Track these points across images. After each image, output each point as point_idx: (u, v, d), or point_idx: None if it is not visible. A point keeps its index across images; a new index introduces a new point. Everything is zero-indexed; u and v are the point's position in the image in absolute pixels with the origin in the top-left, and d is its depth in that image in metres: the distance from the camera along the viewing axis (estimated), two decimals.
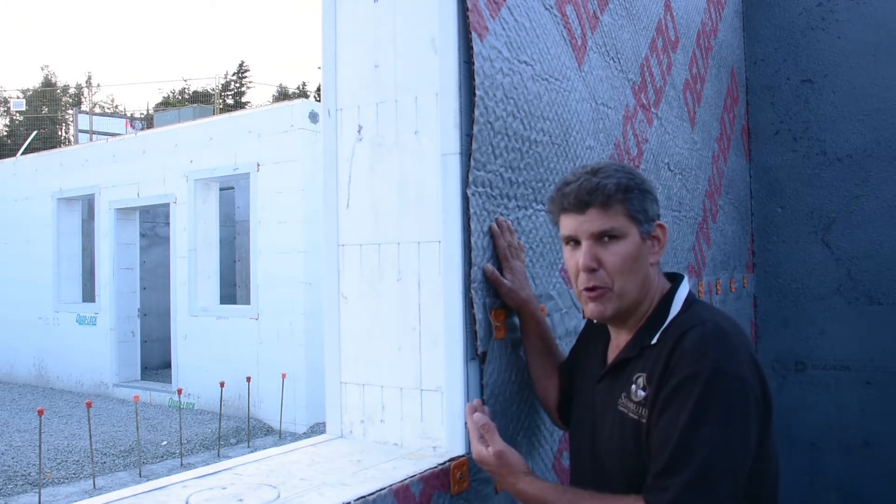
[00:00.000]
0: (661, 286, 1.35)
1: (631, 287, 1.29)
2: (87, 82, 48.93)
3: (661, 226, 1.33)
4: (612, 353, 1.38)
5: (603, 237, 1.28)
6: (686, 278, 1.37)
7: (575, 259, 1.31)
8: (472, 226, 1.50)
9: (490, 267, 1.55)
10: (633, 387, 1.26)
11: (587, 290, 1.30)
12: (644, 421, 1.21)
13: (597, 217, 1.28)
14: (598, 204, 1.28)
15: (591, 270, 1.28)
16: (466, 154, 1.50)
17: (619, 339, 1.37)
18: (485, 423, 1.34)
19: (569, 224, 1.32)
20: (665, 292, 1.33)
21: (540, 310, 1.62)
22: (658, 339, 1.26)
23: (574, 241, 1.32)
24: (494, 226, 1.57)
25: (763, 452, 1.21)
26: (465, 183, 1.50)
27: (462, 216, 1.49)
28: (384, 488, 1.27)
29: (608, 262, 1.28)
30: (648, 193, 1.32)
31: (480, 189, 1.54)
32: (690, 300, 1.31)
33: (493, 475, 1.37)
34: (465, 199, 1.50)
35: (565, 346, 1.79)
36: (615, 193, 1.27)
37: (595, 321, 1.41)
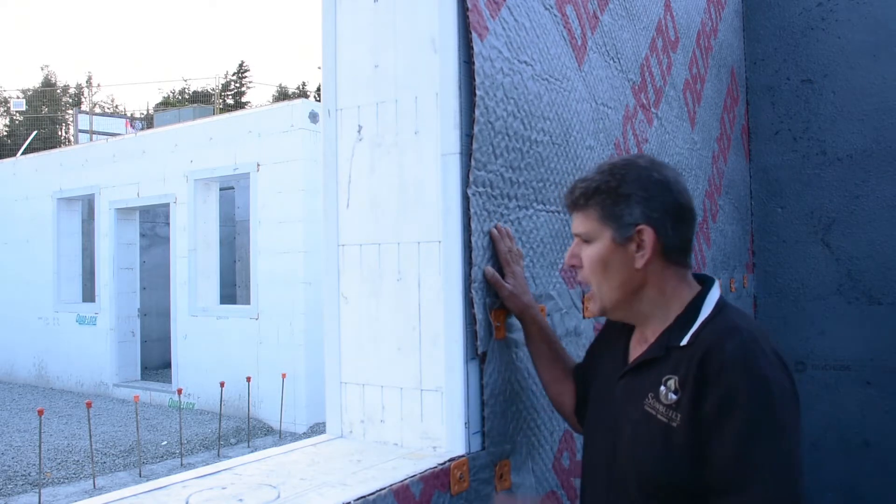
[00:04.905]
0: (685, 287, 1.32)
1: (605, 290, 1.31)
2: (87, 82, 48.94)
3: (643, 230, 1.27)
4: (635, 350, 1.37)
5: (582, 239, 1.34)
6: (717, 282, 1.35)
7: None
8: (473, 226, 1.50)
9: (491, 269, 1.55)
10: (663, 388, 1.23)
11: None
12: (675, 425, 1.19)
13: (576, 219, 1.35)
14: (577, 207, 1.34)
15: (571, 266, 1.37)
16: (467, 154, 1.50)
17: (643, 336, 1.36)
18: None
19: None
20: (695, 294, 1.31)
21: (541, 314, 1.63)
22: (689, 342, 1.24)
23: None
24: (494, 231, 1.58)
25: None
26: (466, 183, 1.50)
27: (462, 216, 1.49)
28: (384, 488, 1.27)
29: (583, 263, 1.34)
30: (625, 197, 1.27)
31: (481, 189, 1.54)
32: (721, 304, 1.29)
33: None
34: (466, 199, 1.49)
35: (564, 345, 1.79)
36: (580, 198, 1.32)
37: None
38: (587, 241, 1.32)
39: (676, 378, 1.22)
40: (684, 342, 1.24)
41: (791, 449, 1.13)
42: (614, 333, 1.46)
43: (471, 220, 1.50)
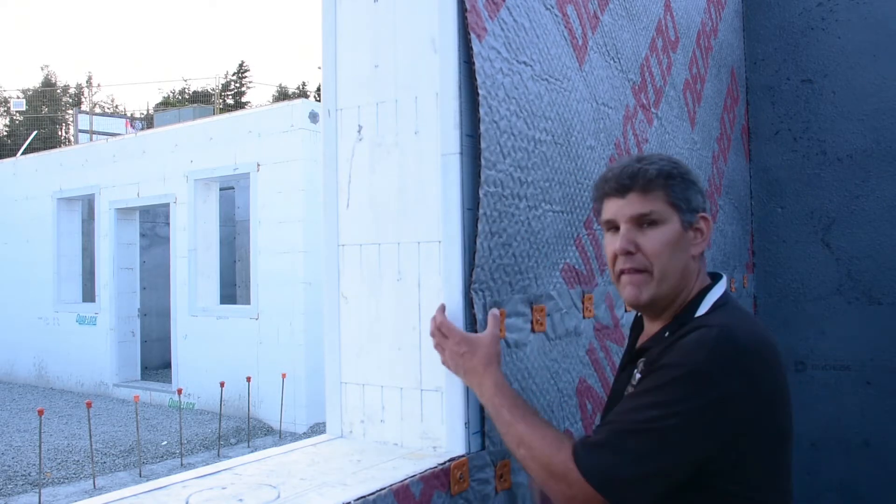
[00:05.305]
0: (700, 282, 1.32)
1: (671, 272, 1.27)
2: (87, 82, 48.96)
3: (704, 218, 1.31)
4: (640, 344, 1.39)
5: (642, 222, 1.28)
6: (724, 279, 1.34)
7: (614, 244, 1.30)
8: (481, 227, 1.50)
9: None
10: (635, 370, 1.28)
11: (623, 273, 1.29)
12: None
13: (637, 201, 1.28)
14: (638, 188, 1.28)
15: (627, 253, 1.28)
16: (468, 154, 1.50)
17: (650, 331, 1.36)
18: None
19: (610, 208, 1.32)
20: (700, 290, 1.31)
21: None
22: (671, 331, 1.25)
23: (615, 227, 1.31)
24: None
25: (772, 484, 1.20)
26: (478, 183, 1.49)
27: (462, 216, 1.49)
28: (384, 488, 1.27)
29: (646, 246, 1.27)
30: (693, 184, 1.31)
31: (492, 189, 1.54)
32: (720, 303, 1.28)
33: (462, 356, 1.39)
34: (477, 200, 1.49)
35: (564, 345, 1.80)
36: (656, 178, 1.28)
37: (631, 308, 1.40)
38: (652, 223, 1.27)
39: (645, 360, 1.26)
40: (667, 333, 1.27)
41: (671, 437, 1.11)
42: (633, 331, 1.48)
43: (479, 221, 1.49)
